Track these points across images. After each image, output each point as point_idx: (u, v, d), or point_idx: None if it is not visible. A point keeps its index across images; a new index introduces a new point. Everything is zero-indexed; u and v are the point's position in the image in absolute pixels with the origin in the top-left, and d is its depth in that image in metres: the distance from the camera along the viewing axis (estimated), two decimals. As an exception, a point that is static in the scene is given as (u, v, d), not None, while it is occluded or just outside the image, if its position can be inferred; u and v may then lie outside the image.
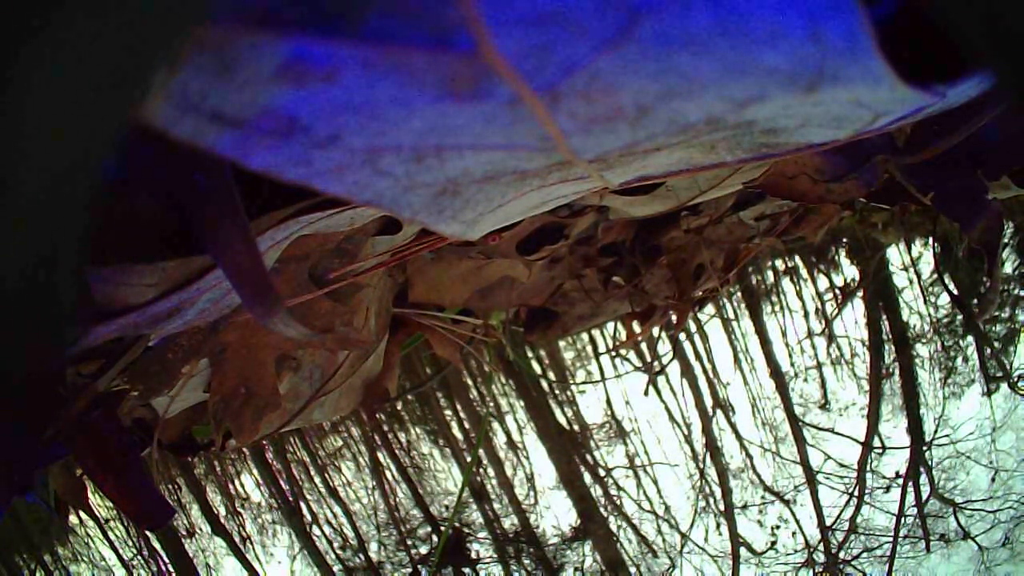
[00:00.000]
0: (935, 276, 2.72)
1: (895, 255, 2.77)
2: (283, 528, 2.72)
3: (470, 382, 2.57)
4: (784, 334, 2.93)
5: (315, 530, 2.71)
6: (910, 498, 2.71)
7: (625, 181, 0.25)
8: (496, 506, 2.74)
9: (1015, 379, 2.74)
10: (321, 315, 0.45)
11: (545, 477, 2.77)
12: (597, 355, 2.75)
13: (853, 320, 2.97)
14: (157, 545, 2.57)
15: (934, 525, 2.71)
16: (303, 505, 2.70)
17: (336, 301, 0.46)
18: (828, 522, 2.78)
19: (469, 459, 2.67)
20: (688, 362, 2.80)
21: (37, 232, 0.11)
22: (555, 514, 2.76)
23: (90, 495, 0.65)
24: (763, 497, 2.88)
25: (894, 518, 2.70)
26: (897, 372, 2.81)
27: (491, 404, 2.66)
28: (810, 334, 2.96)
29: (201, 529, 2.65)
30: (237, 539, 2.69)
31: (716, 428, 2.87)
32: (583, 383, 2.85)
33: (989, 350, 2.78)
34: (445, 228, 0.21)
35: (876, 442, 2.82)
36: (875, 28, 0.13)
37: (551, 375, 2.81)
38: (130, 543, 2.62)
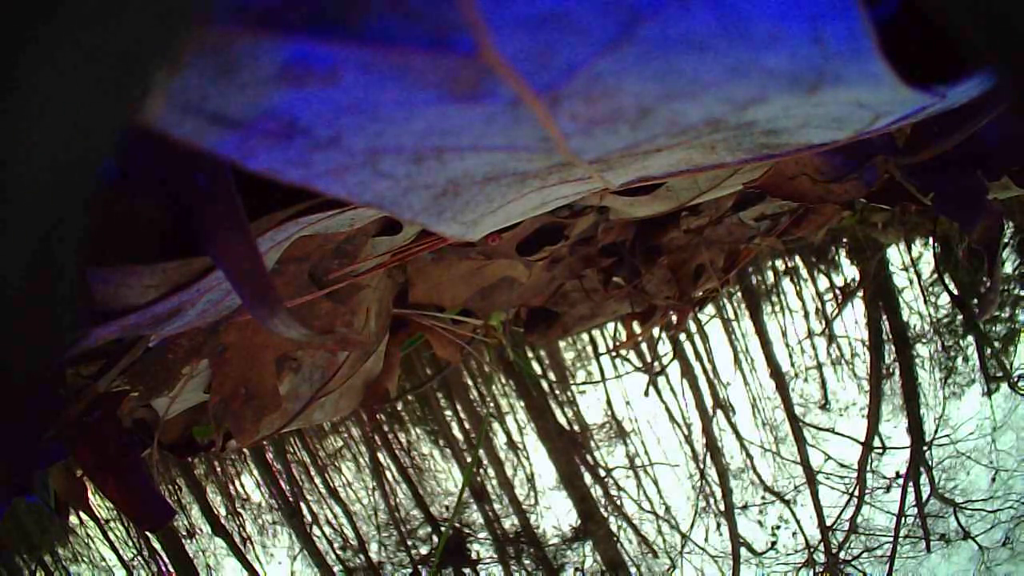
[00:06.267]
0: (935, 276, 2.71)
1: (895, 255, 2.77)
2: (283, 529, 2.72)
3: (470, 382, 2.57)
4: (784, 334, 2.93)
5: (315, 530, 2.71)
6: (910, 498, 2.71)
7: (625, 182, 0.25)
8: (496, 506, 2.74)
9: (1015, 379, 2.74)
10: (321, 316, 0.45)
11: (545, 477, 2.77)
12: (597, 355, 2.75)
13: (853, 320, 2.97)
14: (157, 546, 2.57)
15: (934, 525, 2.71)
16: (303, 506, 2.70)
17: (336, 302, 0.46)
18: (828, 522, 2.78)
19: (469, 459, 2.67)
20: (688, 362, 2.80)
21: (37, 232, 0.11)
22: (555, 514, 2.76)
23: (90, 495, 0.65)
24: (763, 497, 2.88)
25: (894, 518, 2.70)
26: (897, 372, 2.81)
27: (491, 404, 2.66)
28: (810, 334, 2.96)
29: (201, 530, 2.65)
30: (237, 540, 2.69)
31: (716, 428, 2.87)
32: (583, 383, 2.85)
33: (989, 350, 2.78)
34: (445, 229, 0.21)
35: (876, 442, 2.82)
36: (876, 29, 0.13)
37: (551, 375, 2.81)
38: (130, 544, 2.61)
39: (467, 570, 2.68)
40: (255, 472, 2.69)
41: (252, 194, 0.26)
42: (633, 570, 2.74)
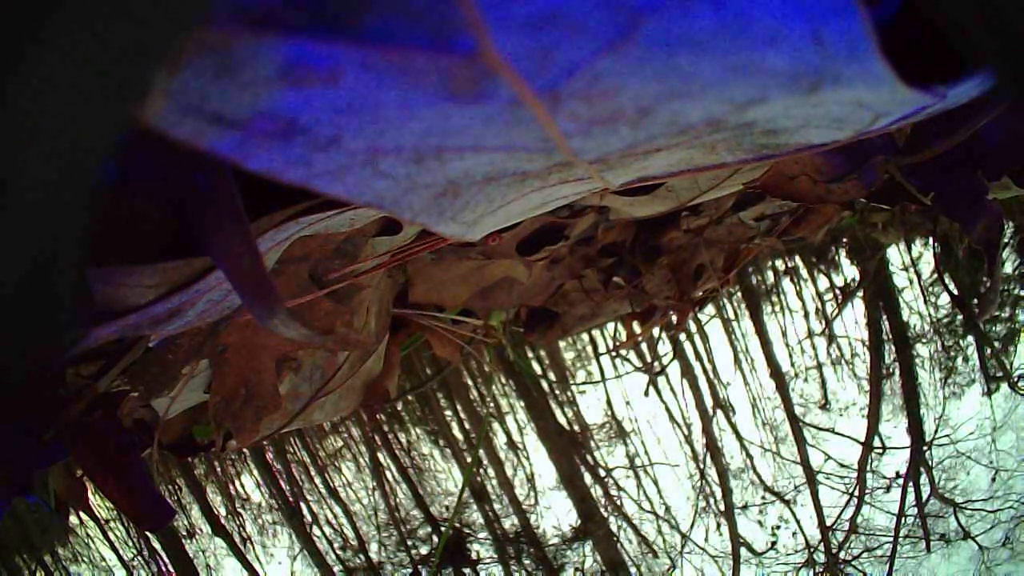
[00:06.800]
0: (935, 276, 2.71)
1: (895, 255, 2.77)
2: (283, 529, 2.72)
3: (470, 382, 2.57)
4: (784, 334, 2.93)
5: (315, 530, 2.70)
6: (910, 498, 2.71)
7: (625, 182, 0.25)
8: (496, 506, 2.74)
9: (1015, 379, 2.74)
10: (321, 316, 0.46)
11: (545, 477, 2.77)
12: (597, 355, 2.75)
13: (853, 320, 2.97)
14: (157, 546, 2.57)
15: (934, 525, 2.71)
16: (303, 506, 2.70)
17: (336, 302, 0.46)
18: (828, 522, 2.79)
19: (469, 459, 2.67)
20: (688, 362, 2.80)
21: (38, 233, 0.11)
22: (555, 514, 2.76)
23: (90, 495, 0.65)
24: (763, 497, 2.88)
25: (894, 518, 2.70)
26: (897, 372, 2.81)
27: (491, 404, 2.66)
28: (810, 334, 2.96)
29: (201, 530, 2.65)
30: (237, 540, 2.69)
31: (716, 428, 2.87)
32: (583, 383, 2.85)
33: (989, 350, 2.78)
34: (445, 229, 0.21)
35: (876, 442, 2.82)
36: (876, 29, 0.13)
37: (551, 375, 2.80)
38: (130, 544, 2.61)
39: (467, 570, 2.68)
40: (255, 472, 2.69)
41: (252, 194, 0.26)
42: (633, 570, 2.74)
